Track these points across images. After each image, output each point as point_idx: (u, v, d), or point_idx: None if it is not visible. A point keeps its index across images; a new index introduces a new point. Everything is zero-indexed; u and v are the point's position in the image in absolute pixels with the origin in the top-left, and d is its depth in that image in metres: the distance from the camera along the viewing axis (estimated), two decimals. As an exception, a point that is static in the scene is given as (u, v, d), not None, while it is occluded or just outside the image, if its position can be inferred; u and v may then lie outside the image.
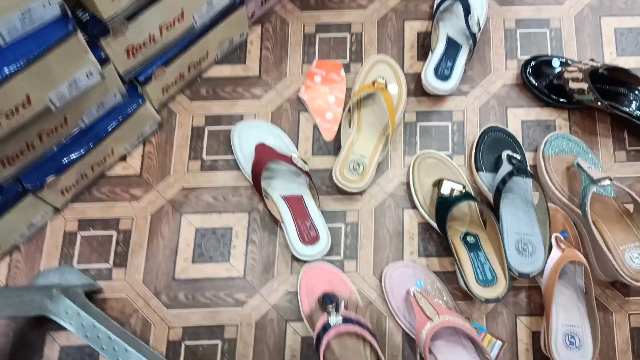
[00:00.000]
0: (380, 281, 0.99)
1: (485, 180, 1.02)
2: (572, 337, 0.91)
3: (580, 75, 1.00)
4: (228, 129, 1.08)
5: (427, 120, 1.10)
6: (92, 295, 0.99)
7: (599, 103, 1.00)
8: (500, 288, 0.92)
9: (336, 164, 1.03)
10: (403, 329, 0.96)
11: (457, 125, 1.09)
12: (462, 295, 0.99)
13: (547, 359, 0.94)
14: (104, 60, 0.83)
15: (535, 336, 0.97)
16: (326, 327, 0.86)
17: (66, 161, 0.91)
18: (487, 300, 0.91)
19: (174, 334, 0.98)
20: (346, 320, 0.87)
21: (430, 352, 0.92)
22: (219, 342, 0.98)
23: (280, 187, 1.02)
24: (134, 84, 0.96)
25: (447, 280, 0.99)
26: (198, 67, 1.09)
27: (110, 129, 0.93)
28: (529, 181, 1.01)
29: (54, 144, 0.89)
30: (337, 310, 0.88)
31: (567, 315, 0.93)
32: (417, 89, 1.11)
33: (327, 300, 0.89)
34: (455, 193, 0.96)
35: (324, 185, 1.06)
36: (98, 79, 0.82)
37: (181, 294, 1.00)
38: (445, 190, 0.97)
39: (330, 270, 0.98)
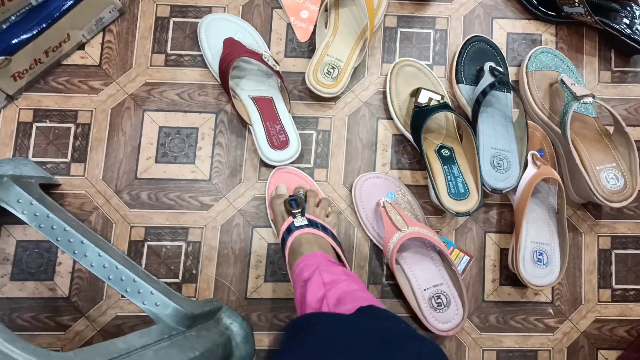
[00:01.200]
0: (351, 192, 0.96)
1: (465, 93, 0.98)
2: (540, 254, 0.91)
3: (573, -14, 0.94)
4: (195, 22, 1.01)
5: (409, 26, 1.03)
6: (50, 190, 0.94)
7: (588, 17, 0.94)
8: (471, 202, 0.90)
9: (309, 66, 0.97)
10: (371, 240, 0.95)
11: (440, 34, 1.03)
12: (433, 210, 0.97)
13: (512, 277, 0.94)
14: None
15: (503, 253, 0.96)
16: (291, 229, 0.83)
17: (16, 41, 0.83)
18: (458, 214, 0.89)
19: (136, 233, 0.94)
20: (312, 223, 0.84)
21: (397, 262, 0.91)
22: (183, 244, 0.95)
23: (250, 87, 0.96)
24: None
25: (418, 194, 0.96)
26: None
27: (64, 8, 0.85)
28: (510, 96, 0.97)
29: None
30: (302, 214, 0.85)
31: (537, 232, 0.92)
32: (401, -9, 1.03)
33: (294, 205, 0.86)
34: (433, 103, 0.92)
35: (296, 89, 1.00)
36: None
37: (144, 194, 0.95)
38: (422, 99, 0.92)
39: (301, 175, 0.94)
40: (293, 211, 0.85)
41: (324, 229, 0.85)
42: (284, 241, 0.83)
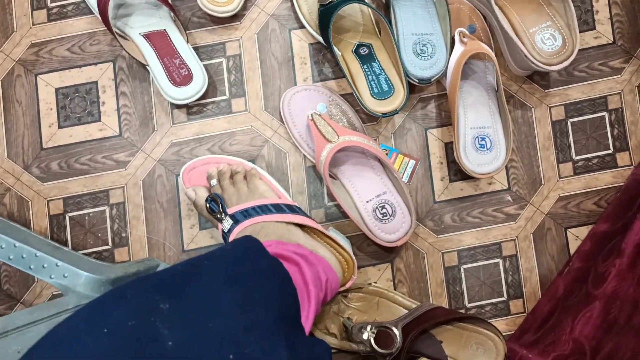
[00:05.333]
0: (280, 112, 0.87)
1: (378, -20, 0.87)
2: (482, 139, 0.82)
3: None
4: (71, -35, 0.90)
5: None
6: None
7: None
8: (398, 99, 0.81)
9: (199, -15, 0.86)
10: (308, 159, 0.87)
11: None
12: (366, 116, 0.88)
13: (463, 171, 0.86)
14: None
15: (448, 147, 0.88)
16: (225, 238, 0.75)
17: None
18: (384, 115, 0.80)
19: (55, 207, 0.88)
20: (235, 218, 0.75)
21: (336, 177, 0.83)
22: (106, 208, 0.88)
23: (139, 23, 0.87)
24: None
25: (352, 103, 0.87)
26: None
27: None
28: (427, -28, 0.85)
29: None
30: (224, 211, 0.76)
31: (476, 116, 0.83)
32: None
33: (213, 208, 0.77)
34: (339, -3, 0.81)
35: (194, 16, 0.90)
36: None
37: (54, 164, 0.88)
38: (326, -5, 0.82)
39: (206, 161, 0.84)
40: (217, 215, 0.76)
41: (247, 211, 0.75)
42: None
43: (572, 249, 0.86)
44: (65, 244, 0.87)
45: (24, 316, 0.58)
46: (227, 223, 0.75)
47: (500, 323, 0.86)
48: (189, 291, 0.50)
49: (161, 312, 0.46)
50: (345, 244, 0.80)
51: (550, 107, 0.88)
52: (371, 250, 0.86)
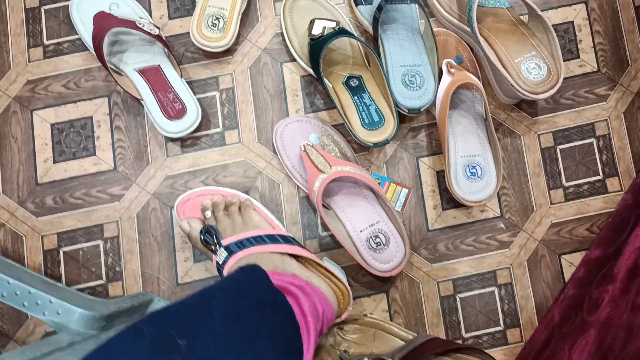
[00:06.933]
0: (272, 143, 0.88)
1: (366, 15, 0.89)
2: (473, 167, 0.83)
3: None
4: (67, 5, 0.92)
5: (296, -45, 0.93)
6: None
7: None
8: (388, 129, 0.82)
9: (192, 22, 0.88)
10: (300, 188, 0.87)
11: (331, -44, 0.94)
12: (358, 146, 0.89)
13: (455, 199, 0.87)
14: None
15: (440, 175, 0.88)
16: (219, 270, 0.76)
17: None
18: (376, 145, 0.81)
19: (49, 242, 0.88)
20: (229, 249, 0.75)
21: (329, 207, 0.84)
22: (100, 242, 0.88)
23: (133, 59, 0.88)
24: None
25: (344, 134, 0.88)
26: None
27: None
28: (415, 7, 0.88)
29: None
30: (218, 243, 0.76)
31: (466, 145, 0.84)
32: None
33: (208, 240, 0.77)
34: (328, 31, 0.83)
35: (188, 51, 0.92)
36: None
37: (49, 199, 0.88)
38: (316, 30, 0.84)
39: (200, 193, 0.84)
40: (211, 247, 0.77)
41: (241, 243, 0.76)
42: (222, 276, 0.76)
43: (567, 276, 0.86)
44: (59, 279, 0.87)
45: (16, 356, 0.57)
46: (222, 255, 0.75)
47: (497, 353, 0.85)
48: (203, 327, 0.50)
49: (179, 348, 0.46)
50: (340, 274, 0.80)
51: (538, 135, 0.89)
52: (366, 281, 0.86)
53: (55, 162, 0.90)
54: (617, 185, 0.88)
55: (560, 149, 0.89)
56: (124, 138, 0.90)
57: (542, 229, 0.87)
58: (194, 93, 0.89)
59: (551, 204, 0.88)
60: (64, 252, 0.88)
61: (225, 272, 0.75)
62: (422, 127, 0.90)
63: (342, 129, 0.88)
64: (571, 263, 0.87)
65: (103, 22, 0.85)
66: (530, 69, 0.81)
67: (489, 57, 0.81)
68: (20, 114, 0.91)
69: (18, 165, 0.89)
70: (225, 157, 0.89)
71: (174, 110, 0.87)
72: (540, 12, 0.80)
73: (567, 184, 0.88)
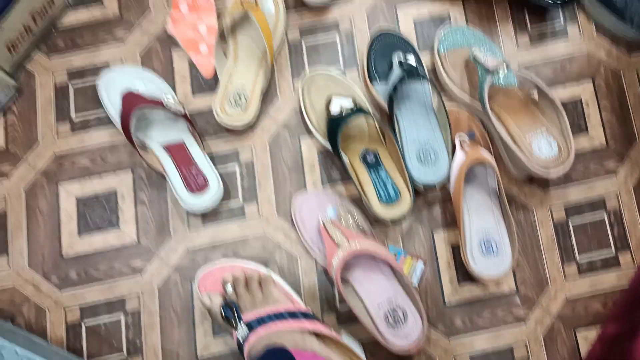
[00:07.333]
0: (291, 216, 0.90)
1: (381, 91, 0.93)
2: (489, 242, 0.85)
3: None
4: (95, 82, 0.96)
5: (313, 35, 0.98)
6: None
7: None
8: (404, 205, 0.85)
9: (215, 100, 0.92)
10: (318, 263, 0.89)
11: (346, 36, 0.98)
12: (375, 219, 0.91)
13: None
14: None
15: (455, 249, 0.90)
16: (240, 346, 0.77)
17: None
18: (393, 220, 0.83)
19: (72, 315, 0.89)
20: (250, 325, 0.77)
21: (347, 281, 0.85)
22: (121, 315, 0.90)
23: (159, 135, 0.92)
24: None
25: (360, 205, 0.91)
26: (46, 15, 0.96)
27: None
28: (427, 84, 0.91)
29: None
30: (239, 318, 0.78)
31: (481, 220, 0.86)
32: (296, 1, 0.99)
33: (228, 315, 0.79)
34: (346, 110, 0.86)
35: (210, 126, 0.95)
36: None
37: (72, 272, 0.91)
38: (334, 108, 0.88)
39: (221, 268, 0.86)
40: (232, 322, 0.78)
41: (261, 318, 0.77)
42: (242, 351, 0.77)
43: (583, 351, 0.87)
44: (81, 353, 0.88)
45: None
46: (243, 331, 0.77)
47: None
48: None
49: None
50: (358, 350, 0.81)
51: (551, 209, 0.92)
52: (385, 356, 0.87)
53: (80, 235, 0.92)
54: (630, 260, 0.90)
55: (572, 224, 0.91)
56: (146, 211, 0.93)
57: (557, 304, 0.88)
58: (215, 166, 0.92)
59: (565, 278, 0.89)
60: (86, 326, 0.89)
61: (246, 348, 0.76)
62: (436, 200, 0.92)
63: (359, 200, 0.91)
64: (587, 337, 0.87)
65: (131, 101, 0.89)
66: (541, 146, 0.84)
67: (500, 135, 0.84)
68: (47, 187, 0.94)
69: (44, 239, 0.92)
70: (245, 230, 0.92)
71: (196, 185, 0.89)
72: (549, 93, 0.84)
73: (580, 259, 0.90)
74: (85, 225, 0.92)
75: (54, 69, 0.98)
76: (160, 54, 0.98)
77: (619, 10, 0.92)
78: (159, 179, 0.94)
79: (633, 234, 0.91)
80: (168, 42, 0.98)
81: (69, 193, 0.93)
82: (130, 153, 0.95)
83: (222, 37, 0.93)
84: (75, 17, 1.00)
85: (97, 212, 0.93)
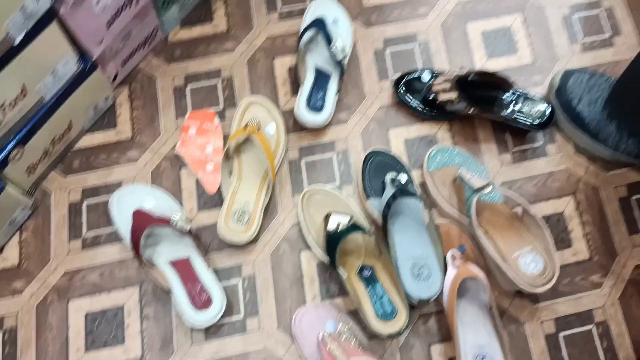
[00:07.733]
0: (291, 330, 0.94)
1: (376, 207, 0.99)
2: (483, 358, 0.88)
3: (448, 85, 0.99)
4: (107, 199, 1.03)
5: (311, 154, 1.06)
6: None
7: (471, 110, 0.98)
8: (401, 320, 0.89)
9: (220, 216, 0.98)
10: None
11: (342, 155, 1.06)
12: (371, 333, 0.94)
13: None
14: None
15: (451, 363, 0.93)
16: None
17: None
18: (390, 336, 0.87)
19: None
20: None
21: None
22: None
23: (167, 251, 0.97)
24: (-11, 171, 0.90)
25: (357, 318, 0.94)
26: (64, 140, 1.03)
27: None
28: (419, 201, 0.98)
29: None
30: None
31: (475, 335, 0.89)
32: (296, 124, 1.08)
33: None
34: (342, 226, 0.92)
35: (215, 240, 1.01)
36: None
37: (78, 388, 0.93)
38: (331, 225, 0.93)
39: None
40: None
41: None
42: None
43: None
44: None
45: None
46: None
47: None
48: None
49: None
50: None
51: (541, 322, 0.95)
52: None
53: (87, 350, 0.95)
54: (623, 374, 0.92)
55: (563, 336, 0.94)
56: (152, 326, 0.96)
57: (552, 418, 0.90)
58: (220, 281, 0.96)
59: (558, 393, 0.91)
60: None
61: None
62: (431, 313, 0.96)
63: (357, 313, 0.94)
64: None
65: (140, 220, 0.95)
66: (527, 262, 0.89)
67: (488, 252, 0.89)
68: (57, 303, 0.98)
69: (52, 355, 0.95)
70: (246, 344, 0.95)
71: (200, 302, 0.94)
72: (532, 213, 0.90)
73: (572, 372, 0.93)
74: (92, 341, 0.95)
75: (69, 187, 1.04)
76: (169, 172, 1.05)
77: (594, 132, 1.00)
78: (164, 293, 0.98)
79: (621, 347, 0.94)
80: (176, 161, 1.06)
81: (79, 309, 0.97)
82: (138, 268, 0.99)
83: (226, 157, 1.01)
84: (90, 140, 1.08)
85: (104, 328, 0.96)
